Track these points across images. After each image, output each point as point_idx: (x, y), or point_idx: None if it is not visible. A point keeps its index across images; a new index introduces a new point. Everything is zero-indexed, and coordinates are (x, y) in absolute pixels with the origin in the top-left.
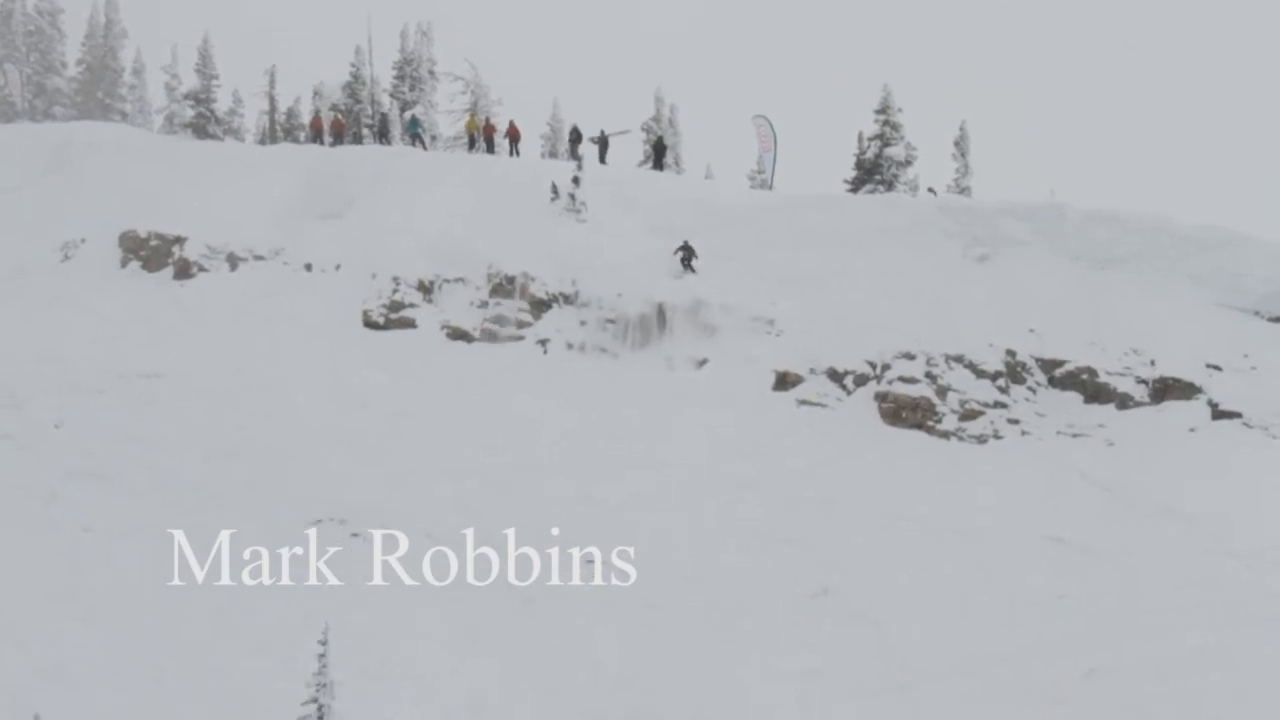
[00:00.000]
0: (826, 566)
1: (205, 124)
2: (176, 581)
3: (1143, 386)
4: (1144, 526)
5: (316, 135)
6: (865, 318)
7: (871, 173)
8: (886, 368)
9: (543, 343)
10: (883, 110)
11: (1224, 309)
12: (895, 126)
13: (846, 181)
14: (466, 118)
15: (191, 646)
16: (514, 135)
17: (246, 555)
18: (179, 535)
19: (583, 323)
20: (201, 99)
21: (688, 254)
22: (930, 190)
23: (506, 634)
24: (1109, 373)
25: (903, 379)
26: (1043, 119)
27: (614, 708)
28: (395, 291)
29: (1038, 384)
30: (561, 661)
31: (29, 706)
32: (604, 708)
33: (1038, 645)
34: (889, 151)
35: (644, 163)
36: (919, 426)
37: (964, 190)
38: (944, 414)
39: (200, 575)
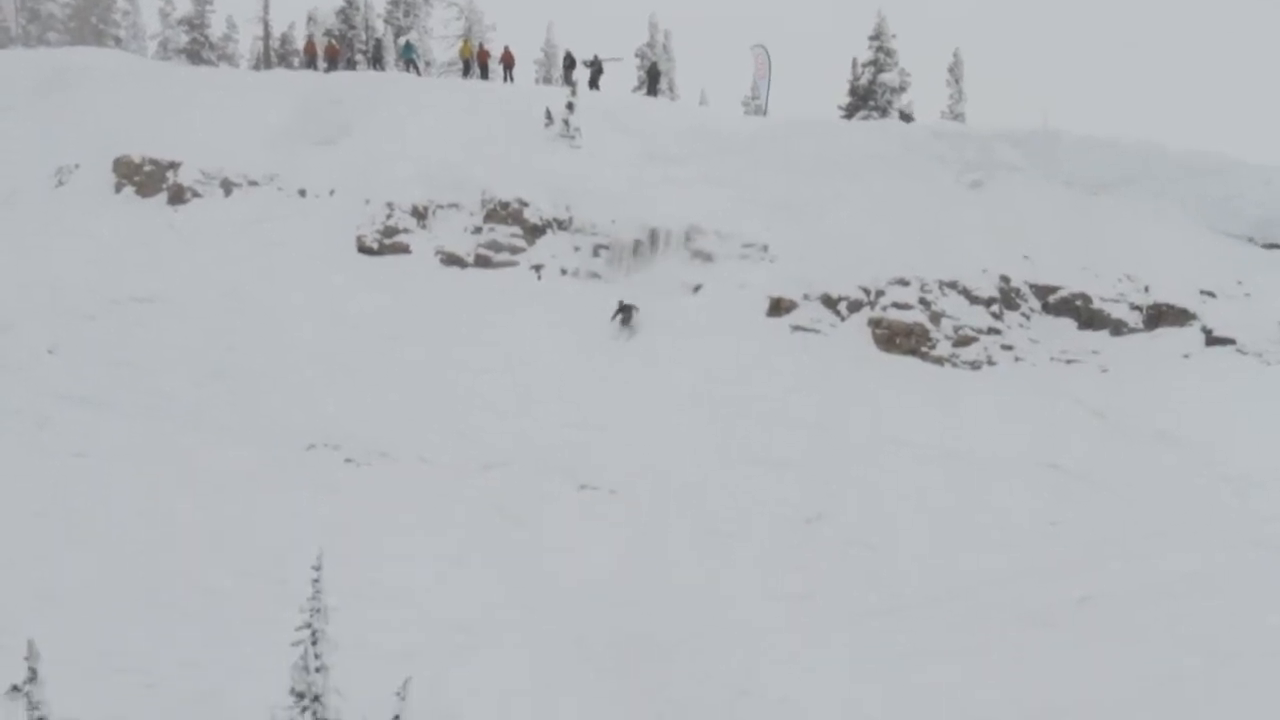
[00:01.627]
0: (820, 491)
1: (199, 50)
2: (169, 506)
3: (1136, 313)
4: (1137, 452)
5: (311, 61)
6: (859, 244)
7: (865, 99)
8: (880, 294)
9: (536, 268)
10: (877, 36)
11: (1217, 235)
12: (889, 53)
13: (841, 108)
14: (460, 43)
15: (185, 571)
16: (508, 61)
17: (239, 479)
18: (172, 459)
19: (576, 248)
20: (196, 24)
21: (626, 314)
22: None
23: (499, 557)
24: (1103, 299)
25: (896, 305)
26: (1037, 45)
27: (605, 629)
28: (389, 217)
29: (1031, 310)
30: (553, 584)
31: (23, 631)
32: (595, 629)
33: (1030, 570)
34: (883, 78)
35: (638, 89)
36: (913, 353)
37: (958, 116)
38: (938, 340)
39: (193, 499)
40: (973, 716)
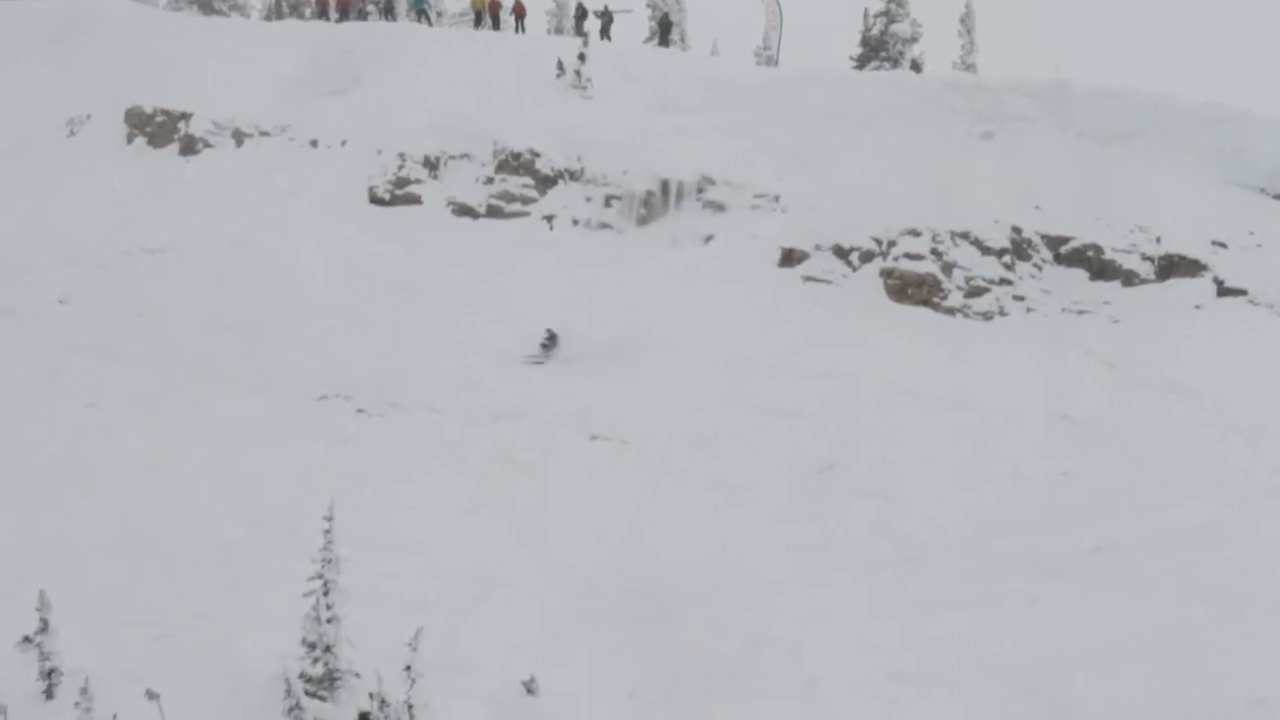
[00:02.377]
0: (832, 442)
1: (211, 0)
2: (180, 457)
3: (1148, 263)
4: (1149, 403)
5: (322, 11)
6: (871, 194)
7: (877, 50)
8: (892, 244)
9: (548, 219)
10: None
11: (1230, 186)
12: (901, 3)
13: (852, 59)
14: None
15: (196, 522)
16: (519, 11)
17: (251, 430)
18: (183, 410)
19: (588, 199)
20: None
21: (550, 340)
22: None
23: (511, 507)
24: (1114, 249)
25: (908, 256)
26: None
27: (616, 580)
28: (401, 168)
29: (1043, 261)
30: (565, 534)
31: (33, 582)
32: (606, 580)
33: (1042, 521)
34: (895, 28)
35: (649, 39)
36: (925, 303)
37: (969, 67)
38: (949, 291)
39: (204, 450)
40: (984, 666)
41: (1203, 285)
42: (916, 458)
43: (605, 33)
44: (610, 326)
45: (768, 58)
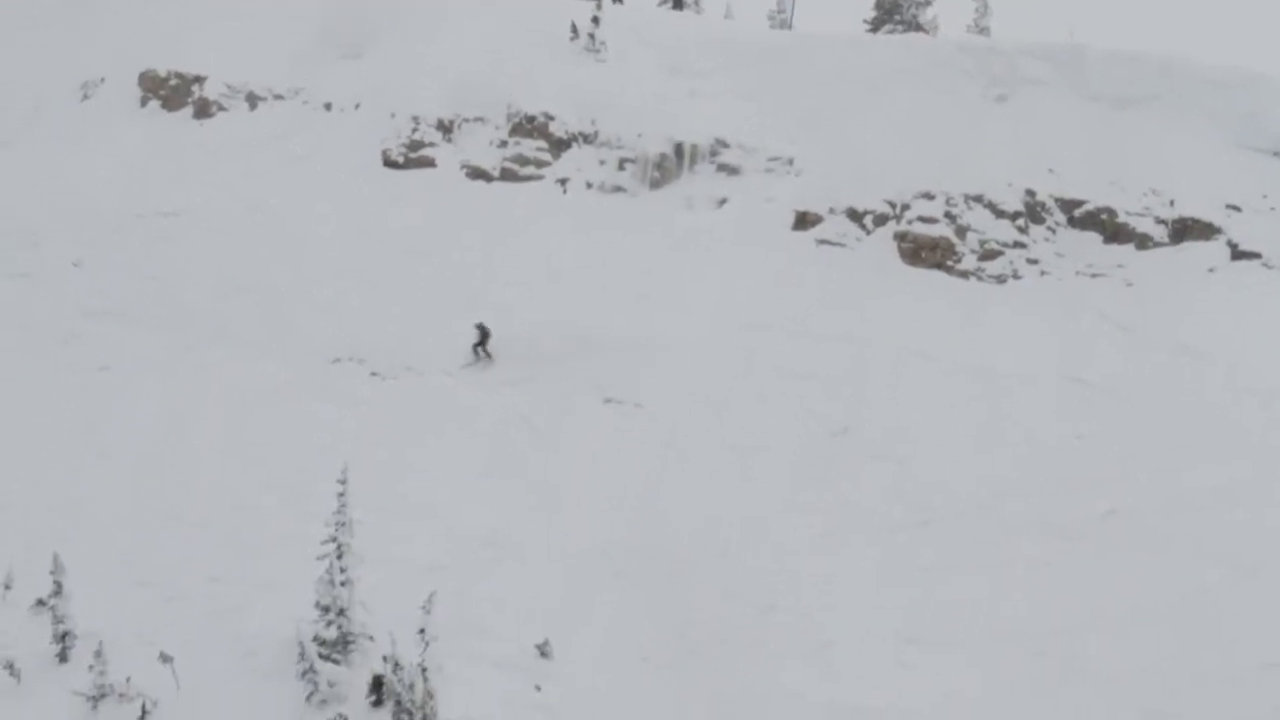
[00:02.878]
0: (845, 405)
1: None
2: (193, 419)
3: (1162, 227)
4: (1163, 366)
5: None
6: (884, 158)
7: (891, 13)
8: (906, 208)
9: (562, 182)
10: None
11: (1244, 150)
12: None
13: (866, 22)
14: None
15: (209, 485)
16: None
17: (264, 393)
18: (196, 373)
19: (602, 162)
20: None
21: (483, 336)
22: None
23: (524, 470)
24: (1128, 213)
25: (922, 219)
26: None
27: (630, 543)
28: (415, 131)
29: (1057, 224)
30: (579, 497)
31: (47, 544)
32: (620, 543)
33: (1056, 484)
34: None
35: (663, 3)
36: (938, 266)
37: (983, 31)
38: (963, 254)
39: (217, 413)
40: (998, 629)
41: (1216, 249)
42: (930, 421)
43: None
44: (623, 290)
45: (782, 21)
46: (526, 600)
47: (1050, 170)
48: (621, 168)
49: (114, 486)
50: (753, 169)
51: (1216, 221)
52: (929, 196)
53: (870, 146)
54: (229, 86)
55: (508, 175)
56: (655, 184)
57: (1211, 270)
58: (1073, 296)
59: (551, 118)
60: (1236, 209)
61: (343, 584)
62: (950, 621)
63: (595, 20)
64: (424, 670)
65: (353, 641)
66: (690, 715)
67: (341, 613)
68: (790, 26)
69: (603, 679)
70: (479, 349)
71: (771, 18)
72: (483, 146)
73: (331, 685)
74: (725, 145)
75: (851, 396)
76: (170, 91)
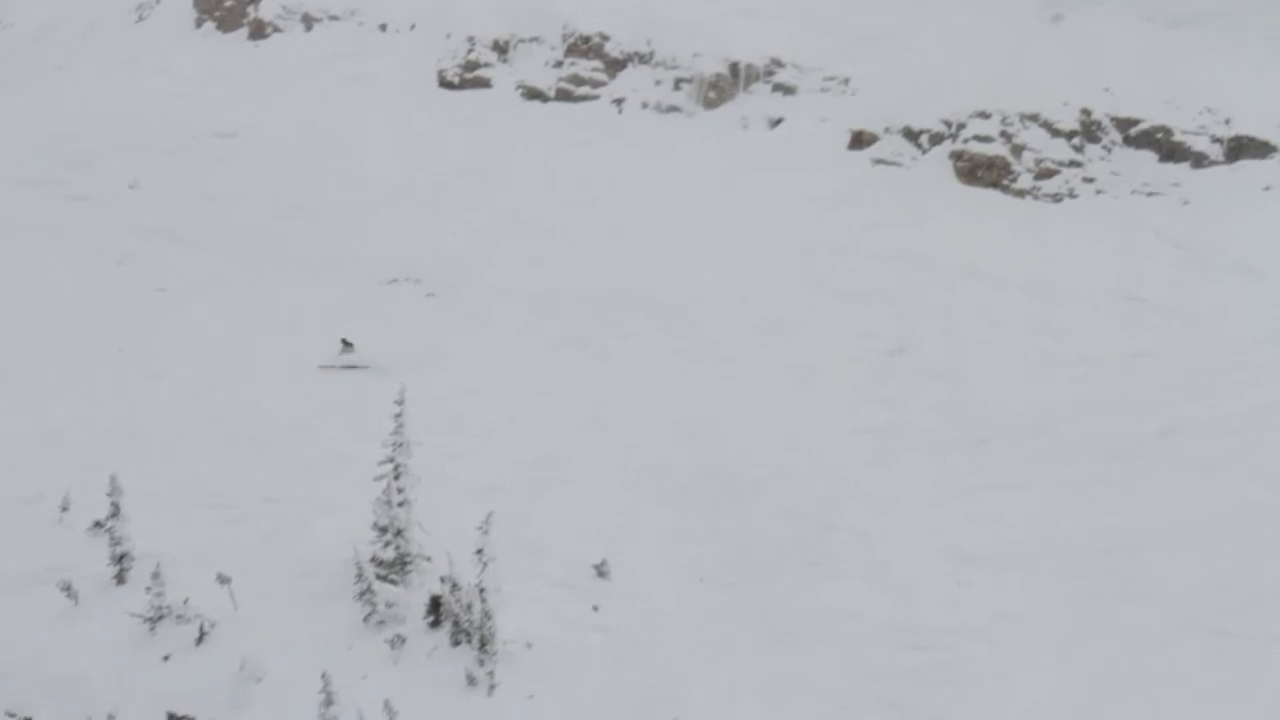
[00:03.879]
0: (902, 324)
1: None
2: (249, 340)
3: (1217, 145)
4: (1219, 284)
5: None
6: (940, 77)
7: None
8: (961, 127)
9: (617, 102)
10: None
11: None
12: None
13: None
14: None
15: (265, 405)
16: None
17: (321, 313)
18: (253, 294)
19: (657, 82)
20: None
21: (346, 349)
22: None
23: (581, 390)
24: (1184, 131)
25: (978, 138)
26: None
27: (687, 463)
28: (470, 51)
29: (1112, 143)
30: (635, 417)
31: (105, 465)
32: (677, 463)
33: (1112, 403)
34: None
35: None
36: (994, 185)
37: None
38: (1019, 173)
39: (274, 333)
40: (1054, 547)
41: (1272, 166)
42: (986, 340)
43: None
44: (679, 211)
45: None
46: (584, 520)
47: (1106, 89)
48: (677, 88)
49: (171, 408)
50: (808, 88)
51: (1272, 140)
52: (985, 115)
53: (926, 66)
54: (284, 8)
55: (563, 95)
56: (711, 104)
57: (1267, 189)
58: (1129, 215)
59: (607, 38)
60: None
61: (400, 505)
62: (1007, 540)
63: None
64: (482, 591)
65: (410, 562)
66: (748, 635)
67: (399, 533)
68: None
69: (662, 599)
70: (346, 349)
71: None
72: (538, 67)
73: (389, 606)
74: (781, 65)
75: (907, 316)
76: (225, 13)
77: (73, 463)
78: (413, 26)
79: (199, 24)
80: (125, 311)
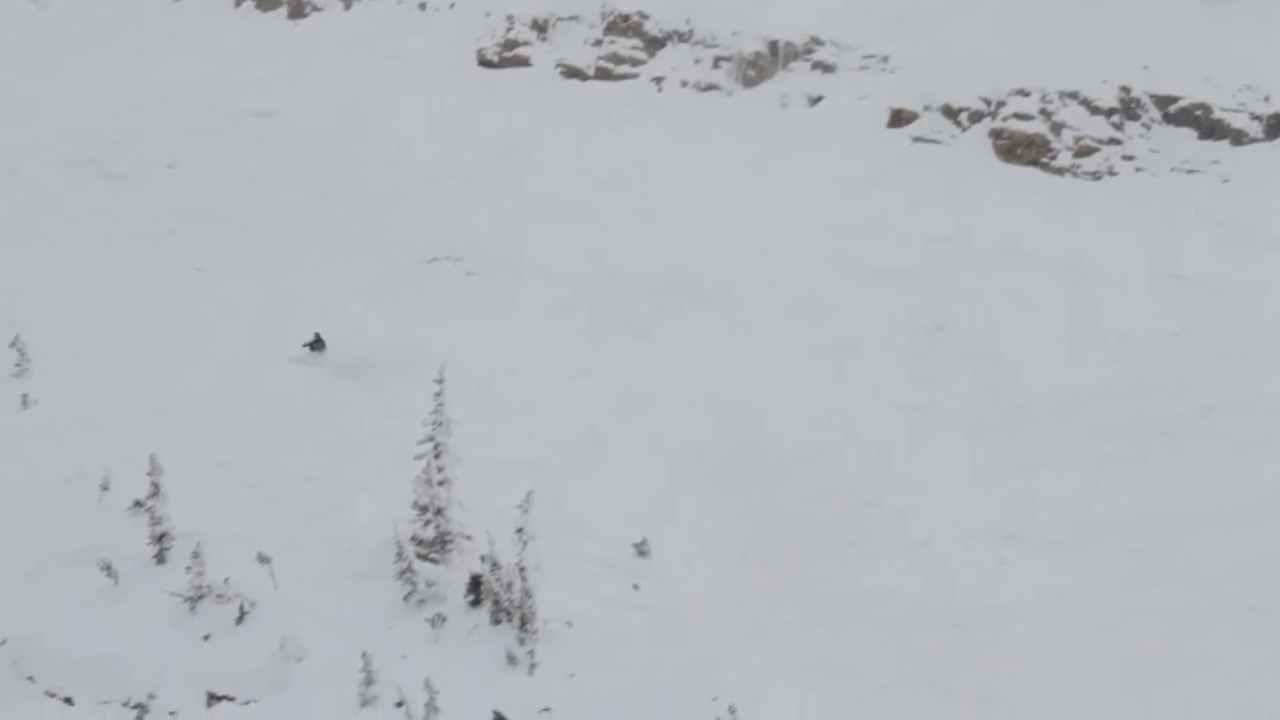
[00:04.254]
0: (941, 302)
1: None
2: (287, 319)
3: (1257, 123)
4: (1258, 261)
5: None
6: (979, 55)
7: None
8: (1001, 104)
9: (656, 80)
10: None
11: None
12: None
13: None
14: None
15: (305, 384)
16: None
17: (359, 293)
18: (291, 273)
19: (696, 61)
20: None
21: (316, 345)
22: None
23: (620, 369)
24: (1223, 109)
25: (1017, 115)
26: None
27: (726, 441)
28: (509, 30)
29: (1152, 120)
30: (674, 396)
31: (144, 444)
32: (716, 441)
33: (1152, 381)
34: None
35: None
36: (1034, 163)
37: None
38: (1059, 150)
39: (312, 313)
40: (1093, 526)
41: None
42: (1025, 318)
43: None
44: (717, 191)
45: None
46: (624, 499)
47: (1145, 67)
48: (716, 66)
49: (209, 387)
50: (847, 66)
51: None
52: (1024, 93)
53: (965, 44)
54: None
55: (602, 74)
56: (750, 82)
57: None
58: (1168, 193)
59: (646, 16)
60: None
61: (440, 483)
62: (1045, 519)
63: None
64: (522, 569)
65: (450, 541)
66: (787, 614)
67: (439, 512)
68: None
69: (700, 578)
70: (313, 349)
71: None
72: (577, 45)
73: (429, 585)
74: (820, 43)
75: (946, 294)
76: None
77: (112, 442)
78: (452, 5)
79: (238, 3)
80: (163, 291)
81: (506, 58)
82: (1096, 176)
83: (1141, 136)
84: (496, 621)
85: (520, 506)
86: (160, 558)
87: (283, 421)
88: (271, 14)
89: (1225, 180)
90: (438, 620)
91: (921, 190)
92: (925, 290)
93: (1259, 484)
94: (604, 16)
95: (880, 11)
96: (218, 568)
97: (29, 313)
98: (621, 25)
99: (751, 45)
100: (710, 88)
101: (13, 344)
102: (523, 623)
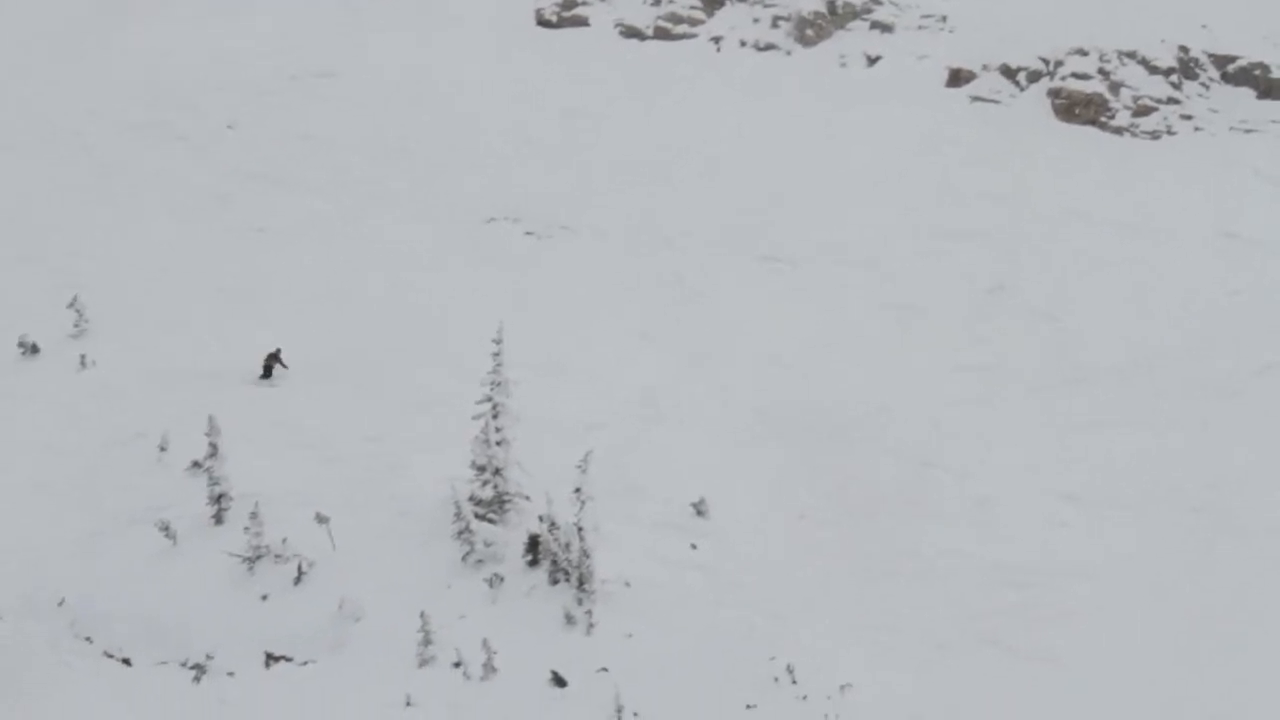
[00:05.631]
0: (1001, 262)
1: None
2: (347, 280)
3: None
4: None
5: None
6: (1037, 14)
7: None
8: (1059, 64)
9: (715, 40)
10: None
11: None
12: None
13: None
14: None
15: (363, 345)
16: None
17: (418, 253)
18: (351, 234)
19: (755, 20)
20: None
21: (272, 360)
22: None
23: (680, 330)
24: None
25: (1075, 75)
26: None
27: (787, 402)
28: None
29: (1210, 80)
30: (734, 357)
31: (203, 405)
32: (777, 402)
33: (1211, 340)
34: None
35: None
36: (1092, 123)
37: None
38: (1117, 110)
39: (373, 274)
40: (1154, 486)
41: None
42: (1085, 278)
43: None
44: (778, 151)
45: None
46: (682, 460)
47: (1203, 26)
48: (775, 25)
49: (269, 348)
50: (905, 26)
51: None
52: (1082, 53)
53: (1023, 3)
54: None
55: (661, 34)
56: (809, 41)
57: None
58: (1226, 152)
59: None
60: None
61: (498, 444)
62: (1106, 479)
63: None
64: (580, 530)
65: (508, 501)
66: (847, 574)
67: (497, 472)
68: None
69: (759, 538)
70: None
71: None
72: (636, 5)
73: (487, 545)
74: (879, 2)
75: (1007, 254)
76: None
77: (171, 402)
78: None
79: None
80: (225, 252)
81: (565, 17)
82: (1155, 136)
83: (1200, 96)
84: (554, 582)
85: (579, 466)
86: (219, 518)
87: (344, 383)
88: None
89: None
90: (495, 580)
91: (981, 149)
92: (987, 250)
93: None
94: None
95: None
96: (276, 528)
97: (91, 275)
98: None
99: (810, 4)
100: (769, 47)
101: (70, 304)
102: (581, 583)
